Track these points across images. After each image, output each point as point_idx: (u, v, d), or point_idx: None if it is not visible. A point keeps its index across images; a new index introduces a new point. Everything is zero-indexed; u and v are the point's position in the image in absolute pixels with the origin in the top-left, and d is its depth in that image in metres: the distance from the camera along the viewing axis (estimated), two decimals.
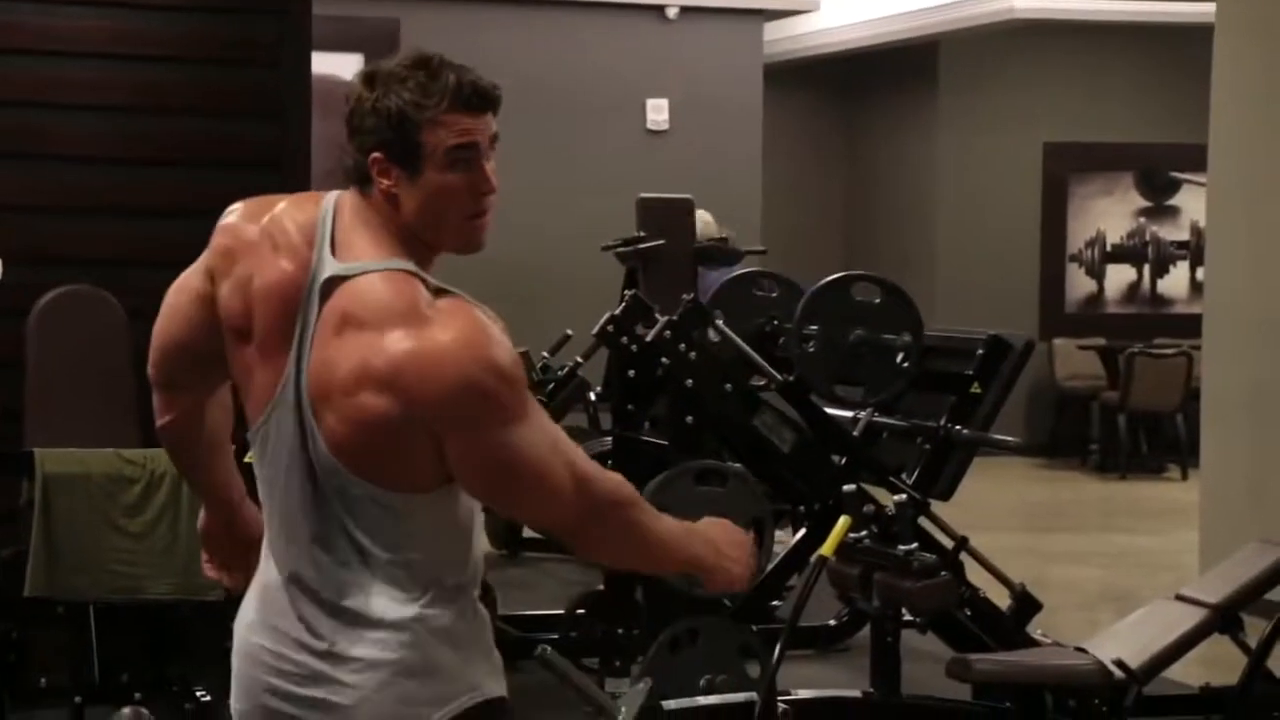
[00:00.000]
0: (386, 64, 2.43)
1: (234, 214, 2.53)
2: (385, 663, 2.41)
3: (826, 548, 4.53)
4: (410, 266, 2.40)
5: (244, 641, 2.54)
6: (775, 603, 6.28)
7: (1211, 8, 8.47)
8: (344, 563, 2.42)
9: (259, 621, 2.51)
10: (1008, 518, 10.84)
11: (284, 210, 2.48)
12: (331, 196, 2.48)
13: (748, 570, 2.63)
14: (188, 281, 2.58)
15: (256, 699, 2.51)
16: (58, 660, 5.53)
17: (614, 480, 2.49)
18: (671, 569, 2.67)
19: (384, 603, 2.41)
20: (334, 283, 2.39)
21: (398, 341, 2.32)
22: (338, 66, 10.59)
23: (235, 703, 2.57)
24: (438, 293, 2.38)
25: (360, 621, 2.41)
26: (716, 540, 2.60)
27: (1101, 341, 13.72)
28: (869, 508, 5.32)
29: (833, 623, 6.84)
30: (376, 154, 2.40)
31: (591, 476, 2.44)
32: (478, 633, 2.50)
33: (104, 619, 5.47)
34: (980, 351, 5.78)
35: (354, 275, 2.38)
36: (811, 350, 5.63)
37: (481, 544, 2.55)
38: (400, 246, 2.42)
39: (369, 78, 2.42)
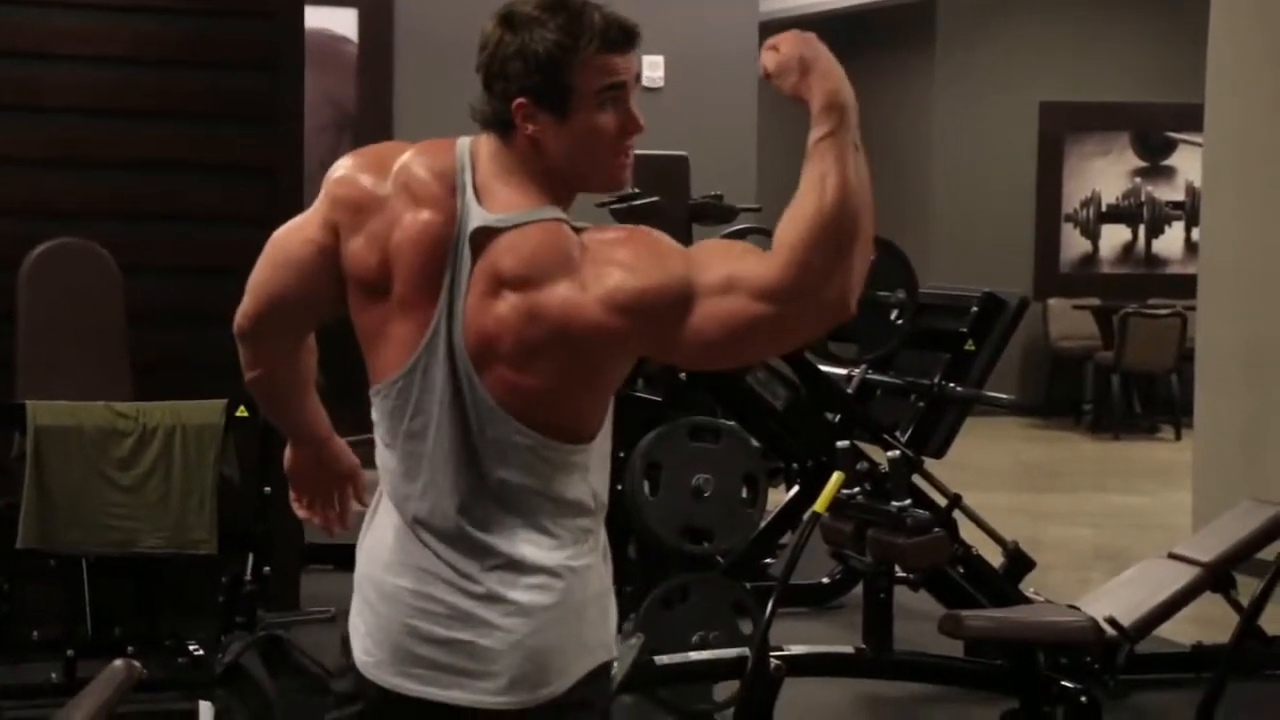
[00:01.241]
0: (521, 6, 2.37)
1: (347, 166, 2.47)
2: (540, 607, 2.38)
3: (820, 504, 4.53)
4: (560, 214, 2.38)
5: (379, 582, 2.45)
6: (768, 560, 6.29)
7: None
8: (495, 508, 2.38)
9: (398, 562, 2.44)
10: (1001, 477, 10.85)
11: (413, 159, 2.42)
12: (465, 142, 2.43)
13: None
14: (301, 233, 2.50)
15: (392, 640, 2.43)
16: (50, 613, 5.53)
17: (779, 256, 2.45)
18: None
19: (534, 548, 2.38)
20: (485, 234, 2.36)
21: (566, 293, 2.30)
22: (331, 21, 10.55)
23: (364, 651, 2.47)
24: (577, 231, 2.36)
25: (514, 566, 2.38)
26: (827, 90, 2.61)
27: (1096, 301, 13.71)
28: (862, 464, 5.31)
29: (826, 580, 6.85)
30: (521, 99, 2.36)
31: (776, 275, 2.42)
32: (609, 582, 2.49)
33: (96, 572, 5.47)
34: (974, 309, 5.78)
35: (507, 228, 2.35)
36: None
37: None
38: (545, 193, 2.38)
39: (506, 20, 2.37)
